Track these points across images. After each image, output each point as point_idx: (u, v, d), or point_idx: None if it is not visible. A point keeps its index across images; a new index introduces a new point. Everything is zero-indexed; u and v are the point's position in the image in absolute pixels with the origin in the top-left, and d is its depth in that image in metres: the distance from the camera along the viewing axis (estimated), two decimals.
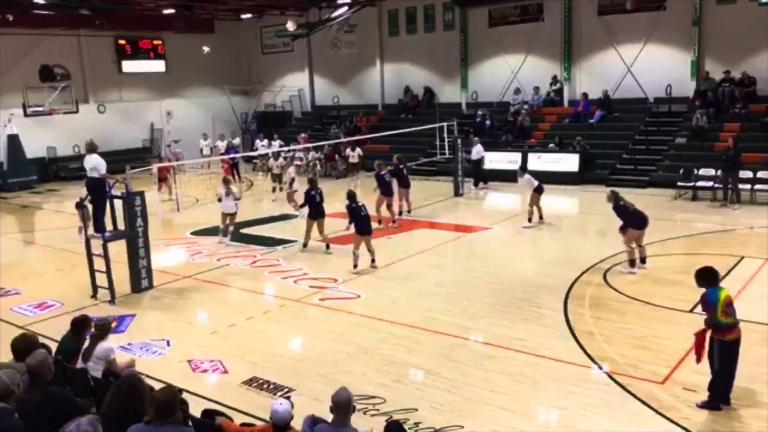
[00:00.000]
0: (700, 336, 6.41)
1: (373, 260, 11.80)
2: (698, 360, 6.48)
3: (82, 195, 14.70)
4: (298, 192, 15.68)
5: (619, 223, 11.17)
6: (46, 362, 4.69)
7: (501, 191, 19.55)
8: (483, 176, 19.97)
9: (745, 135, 18.06)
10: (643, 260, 11.13)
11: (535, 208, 14.54)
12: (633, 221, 10.99)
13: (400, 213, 15.96)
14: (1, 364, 5.26)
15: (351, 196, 11.99)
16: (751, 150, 17.05)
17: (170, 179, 19.06)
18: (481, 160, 19.83)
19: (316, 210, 13.19)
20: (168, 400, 4.13)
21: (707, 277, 6.42)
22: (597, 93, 22.16)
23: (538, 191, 14.42)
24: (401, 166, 16.07)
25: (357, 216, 11.71)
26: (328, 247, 13.12)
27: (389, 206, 15.16)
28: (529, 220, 14.50)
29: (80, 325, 6.57)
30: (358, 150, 22.60)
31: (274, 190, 19.88)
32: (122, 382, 4.57)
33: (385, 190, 15.10)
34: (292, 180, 16.86)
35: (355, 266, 11.58)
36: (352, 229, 11.90)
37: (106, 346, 6.29)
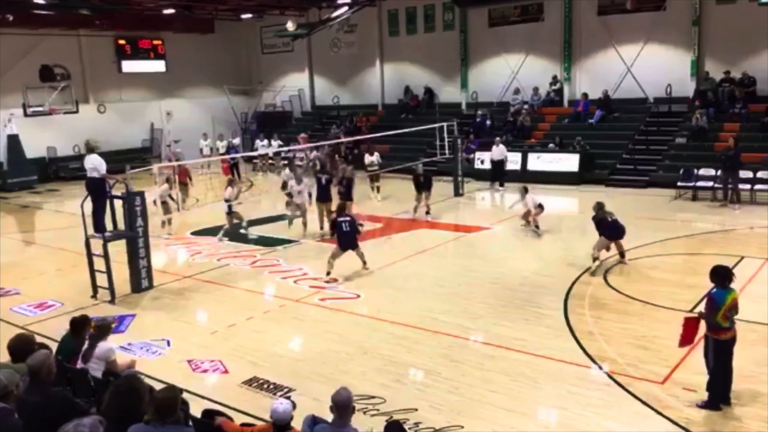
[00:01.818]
0: (691, 323, 6.44)
1: (364, 262, 11.60)
2: (681, 344, 6.56)
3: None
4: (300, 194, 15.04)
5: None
6: (47, 363, 4.69)
7: (500, 191, 19.57)
8: (503, 177, 19.83)
9: (745, 135, 18.07)
10: (622, 255, 11.49)
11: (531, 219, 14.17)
12: (607, 232, 11.30)
13: (428, 212, 15.81)
14: (1, 364, 5.26)
15: (338, 208, 11.79)
16: (751, 150, 17.06)
17: (189, 184, 18.69)
18: (504, 161, 19.80)
19: (321, 193, 13.69)
20: (168, 400, 4.13)
21: (719, 276, 6.41)
22: (597, 93, 22.17)
23: (541, 208, 14.10)
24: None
25: (338, 230, 11.35)
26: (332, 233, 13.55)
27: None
28: (537, 227, 14.14)
29: (80, 325, 6.56)
30: (377, 155, 20.21)
31: (290, 222, 15.05)
32: (120, 382, 4.57)
33: (346, 195, 14.62)
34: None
35: (328, 273, 11.22)
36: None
37: (107, 346, 6.28)
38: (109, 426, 4.13)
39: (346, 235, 11.29)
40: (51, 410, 4.39)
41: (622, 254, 11.51)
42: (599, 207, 11.57)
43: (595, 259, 11.20)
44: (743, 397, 6.51)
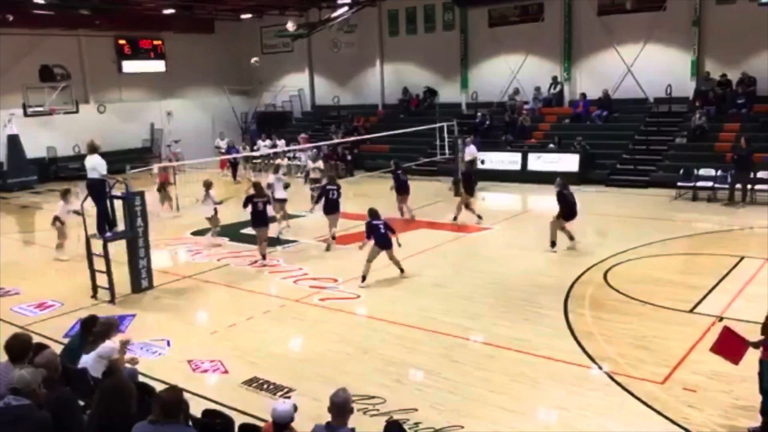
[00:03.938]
0: (738, 345, 6.15)
1: (401, 270, 11.34)
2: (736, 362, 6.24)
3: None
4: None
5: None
6: (54, 363, 4.71)
7: (501, 191, 19.57)
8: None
9: (745, 135, 18.06)
10: (571, 237, 12.31)
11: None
12: (567, 212, 12.15)
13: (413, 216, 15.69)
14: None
15: (372, 213, 11.40)
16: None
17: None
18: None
19: (330, 206, 13.59)
20: (174, 401, 4.16)
21: None
22: (597, 93, 22.15)
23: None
24: (399, 171, 15.97)
25: (376, 232, 11.13)
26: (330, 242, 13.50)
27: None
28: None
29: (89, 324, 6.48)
30: (320, 162, 18.87)
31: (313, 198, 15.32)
32: (106, 383, 4.59)
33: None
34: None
35: (364, 278, 10.91)
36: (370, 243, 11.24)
37: (110, 345, 6.27)
38: (98, 426, 4.17)
39: (383, 236, 11.10)
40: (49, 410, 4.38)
41: (571, 237, 12.29)
42: (563, 184, 12.45)
43: (553, 243, 12.21)
44: (743, 397, 6.51)
